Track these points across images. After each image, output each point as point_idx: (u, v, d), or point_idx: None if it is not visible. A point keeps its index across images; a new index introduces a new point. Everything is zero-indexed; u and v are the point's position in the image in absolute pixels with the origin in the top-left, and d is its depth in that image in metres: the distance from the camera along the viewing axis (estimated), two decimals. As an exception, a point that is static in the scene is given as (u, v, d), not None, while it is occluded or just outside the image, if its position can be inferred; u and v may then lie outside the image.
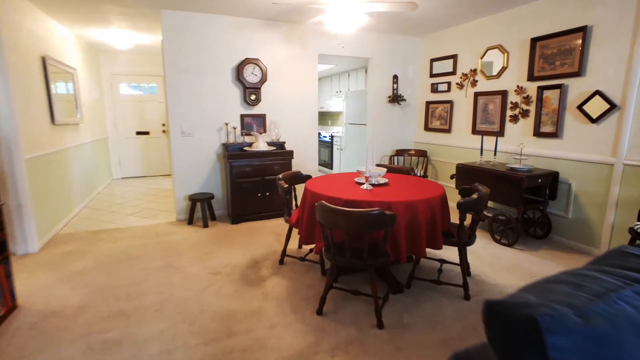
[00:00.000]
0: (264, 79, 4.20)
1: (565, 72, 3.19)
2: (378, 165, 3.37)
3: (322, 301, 2.21)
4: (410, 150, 5.07)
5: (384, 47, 4.88)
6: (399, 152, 5.08)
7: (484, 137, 4.14)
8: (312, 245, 2.99)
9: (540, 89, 3.43)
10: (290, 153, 4.13)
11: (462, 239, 2.37)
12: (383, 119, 5.09)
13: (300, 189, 4.38)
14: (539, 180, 3.19)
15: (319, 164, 7.51)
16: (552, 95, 3.34)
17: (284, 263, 2.94)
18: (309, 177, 3.10)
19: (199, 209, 4.03)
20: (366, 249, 1.98)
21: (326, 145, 7.12)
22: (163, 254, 3.16)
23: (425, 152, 4.94)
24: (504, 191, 3.26)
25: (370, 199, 2.20)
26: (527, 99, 3.58)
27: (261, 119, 4.35)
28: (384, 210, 2.15)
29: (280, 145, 4.38)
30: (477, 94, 4.18)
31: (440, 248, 2.29)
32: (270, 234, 3.65)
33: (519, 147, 3.39)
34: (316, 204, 2.05)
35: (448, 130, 4.68)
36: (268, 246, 3.33)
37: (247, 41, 4.13)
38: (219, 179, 4.27)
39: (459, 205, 2.21)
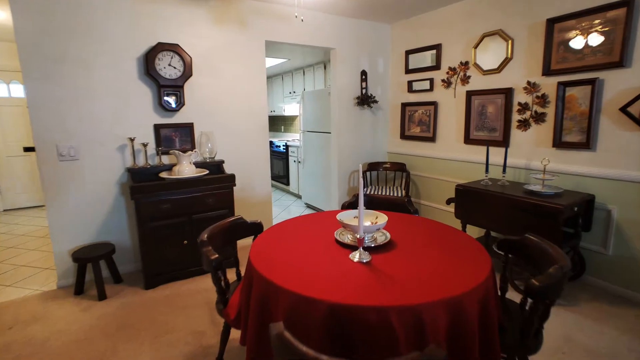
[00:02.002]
0: (187, 73, 2.95)
1: (600, 63, 2.39)
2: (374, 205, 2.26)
3: None
4: (385, 163, 4.10)
5: (349, 35, 3.85)
6: (372, 166, 4.09)
7: (479, 147, 3.28)
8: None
9: (562, 86, 2.61)
10: (231, 178, 2.92)
11: (527, 341, 1.37)
12: (351, 126, 4.07)
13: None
14: (575, 209, 2.35)
15: (272, 178, 6.33)
16: (579, 94, 2.53)
17: (220, 381, 1.75)
18: (257, 227, 1.94)
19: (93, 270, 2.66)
20: None
21: (280, 157, 5.95)
22: (4, 376, 1.80)
23: (404, 165, 4.01)
24: (532, 226, 2.38)
25: (380, 301, 1.11)
26: (542, 99, 2.75)
27: (187, 130, 3.08)
28: (408, 320, 1.09)
29: (216, 166, 3.15)
30: (470, 93, 3.31)
31: (499, 367, 1.28)
32: (202, 307, 2.42)
33: (542, 163, 2.55)
34: (271, 330, 0.91)
35: (432, 139, 3.78)
36: (197, 336, 2.10)
37: (159, 19, 2.85)
38: (125, 220, 2.92)
39: (534, 292, 1.21)
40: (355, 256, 1.41)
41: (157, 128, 2.94)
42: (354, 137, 4.11)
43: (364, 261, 1.38)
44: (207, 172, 2.91)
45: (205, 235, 1.62)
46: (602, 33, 2.37)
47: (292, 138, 6.52)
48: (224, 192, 2.90)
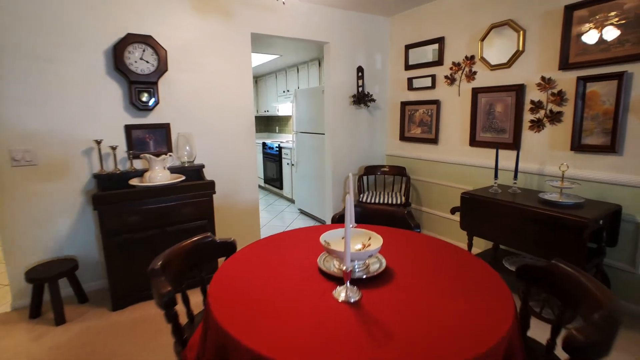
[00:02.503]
0: (162, 68, 2.65)
1: (629, 54, 2.09)
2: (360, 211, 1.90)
3: None
4: (383, 167, 3.80)
5: (344, 28, 3.56)
6: (369, 170, 3.79)
7: (486, 150, 2.98)
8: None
9: (582, 81, 2.31)
10: (209, 185, 2.61)
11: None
12: (346, 126, 3.76)
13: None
14: (600, 222, 2.04)
15: (265, 182, 6.03)
16: (602, 90, 2.23)
17: None
18: (228, 247, 1.63)
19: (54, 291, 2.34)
20: None
21: (273, 159, 5.65)
22: None
23: (404, 169, 3.71)
24: (551, 241, 2.08)
25: (370, 369, 0.81)
26: (558, 97, 2.45)
27: (162, 131, 2.78)
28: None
29: (195, 171, 2.85)
30: (476, 91, 3.00)
31: None
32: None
33: (559, 169, 2.24)
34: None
35: (434, 141, 3.48)
36: (161, 373, 1.80)
37: (130, 7, 2.54)
38: (93, 232, 2.62)
39: (578, 350, 0.90)
40: (341, 294, 1.10)
41: (129, 129, 2.64)
42: (350, 139, 3.81)
43: (352, 301, 1.08)
44: (184, 178, 2.61)
45: (159, 263, 1.32)
46: (630, 20, 2.06)
47: (286, 139, 6.22)
48: (202, 200, 2.59)
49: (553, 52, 2.45)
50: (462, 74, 3.12)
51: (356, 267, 1.27)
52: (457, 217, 3.17)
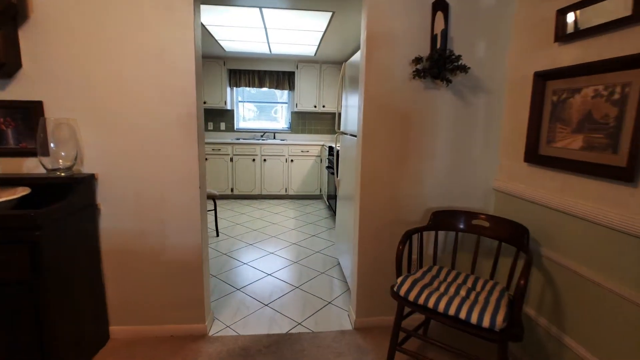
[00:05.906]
0: (10, 4, 1.48)
1: None
2: None
3: None
4: (476, 216, 1.72)
5: None
6: (442, 220, 1.78)
7: None
8: None
9: None
10: (23, 219, 1.29)
11: None
12: (395, 124, 1.86)
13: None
14: None
15: (328, 198, 4.47)
16: None
17: None
18: None
19: None
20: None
21: (331, 170, 4.06)
22: None
23: (524, 231, 1.55)
24: None
25: None
26: None
27: (26, 113, 1.64)
28: None
29: (75, 184, 1.60)
30: None
31: None
32: None
33: None
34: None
35: (624, 173, 1.22)
36: None
37: None
38: None
39: None
40: None
41: (-33, 108, 1.60)
42: (404, 150, 1.89)
43: None
44: (20, 196, 1.39)
45: None
46: None
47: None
48: (12, 247, 1.31)
49: None
50: None
51: None
52: None
